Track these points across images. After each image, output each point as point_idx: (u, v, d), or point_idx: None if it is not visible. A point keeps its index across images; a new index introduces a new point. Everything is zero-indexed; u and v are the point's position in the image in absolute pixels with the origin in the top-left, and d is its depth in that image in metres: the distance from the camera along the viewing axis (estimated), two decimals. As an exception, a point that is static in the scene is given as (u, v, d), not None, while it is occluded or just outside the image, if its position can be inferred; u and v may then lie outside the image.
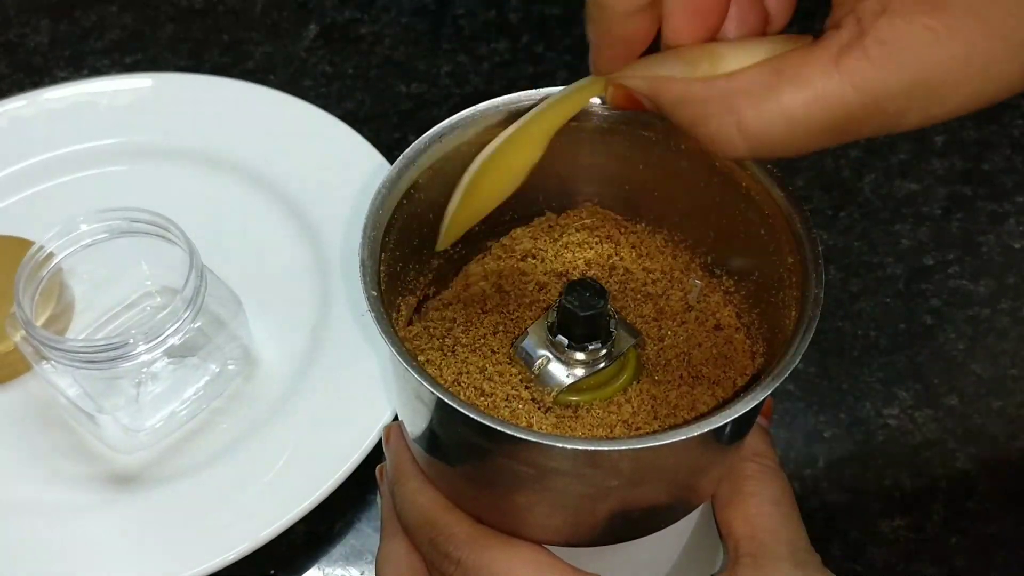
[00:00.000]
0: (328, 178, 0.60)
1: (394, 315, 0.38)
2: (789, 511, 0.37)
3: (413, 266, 0.40)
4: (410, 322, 0.40)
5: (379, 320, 0.33)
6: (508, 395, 0.37)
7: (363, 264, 0.35)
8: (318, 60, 0.71)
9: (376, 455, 0.49)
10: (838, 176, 0.64)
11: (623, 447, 0.31)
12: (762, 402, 0.32)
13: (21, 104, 0.64)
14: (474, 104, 0.39)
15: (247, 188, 0.61)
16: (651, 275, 0.42)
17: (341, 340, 0.54)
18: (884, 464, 0.52)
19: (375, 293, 0.34)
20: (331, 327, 0.55)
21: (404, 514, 0.38)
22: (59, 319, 0.53)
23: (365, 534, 0.51)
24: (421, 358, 0.39)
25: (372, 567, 0.50)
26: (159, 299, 0.55)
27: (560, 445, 0.31)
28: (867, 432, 0.53)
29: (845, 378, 0.55)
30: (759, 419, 0.40)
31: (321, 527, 0.50)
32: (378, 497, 0.44)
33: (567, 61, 0.71)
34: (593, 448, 0.31)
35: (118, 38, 0.72)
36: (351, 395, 0.51)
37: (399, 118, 0.67)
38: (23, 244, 0.55)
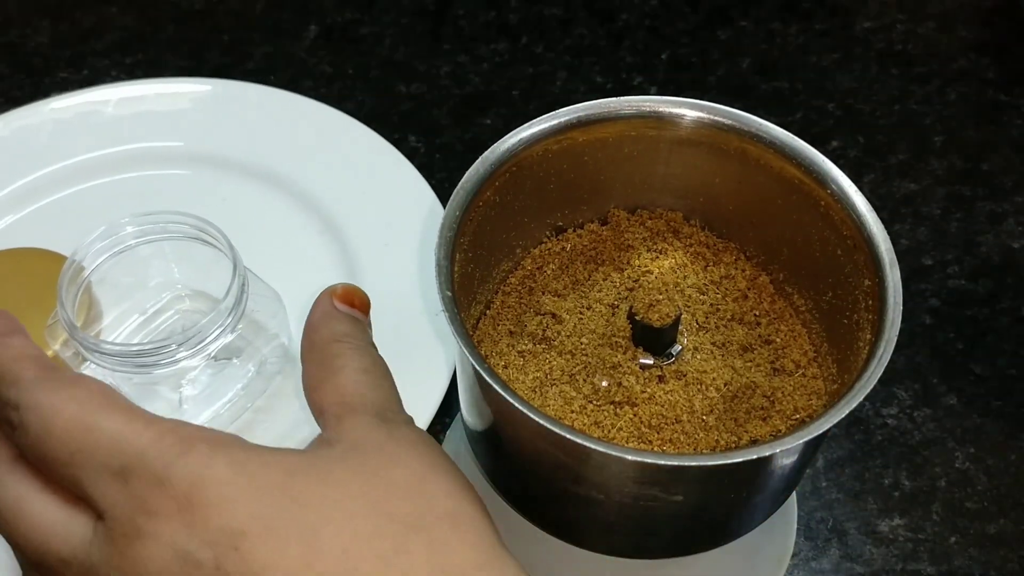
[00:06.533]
0: (351, 179, 0.61)
1: (463, 315, 0.38)
2: (380, 379, 0.36)
3: (484, 268, 0.40)
4: (478, 321, 0.41)
5: (453, 321, 0.34)
6: (582, 397, 0.37)
7: (439, 265, 0.35)
8: (318, 60, 0.71)
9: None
10: (837, 176, 0.64)
11: (699, 463, 0.31)
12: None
13: (28, 114, 0.64)
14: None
15: (268, 189, 0.61)
16: (717, 286, 0.41)
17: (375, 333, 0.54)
18: (883, 464, 0.52)
19: (450, 294, 0.34)
20: None
21: None
22: (89, 327, 0.52)
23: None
24: (490, 354, 0.39)
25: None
26: (189, 303, 0.54)
27: (636, 458, 0.31)
28: (866, 432, 0.53)
29: (844, 378, 0.55)
30: (348, 309, 0.38)
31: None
32: None
33: (567, 61, 0.71)
34: (678, 463, 0.31)
35: (119, 39, 0.72)
36: None
37: (399, 118, 0.67)
38: (46, 255, 0.54)
